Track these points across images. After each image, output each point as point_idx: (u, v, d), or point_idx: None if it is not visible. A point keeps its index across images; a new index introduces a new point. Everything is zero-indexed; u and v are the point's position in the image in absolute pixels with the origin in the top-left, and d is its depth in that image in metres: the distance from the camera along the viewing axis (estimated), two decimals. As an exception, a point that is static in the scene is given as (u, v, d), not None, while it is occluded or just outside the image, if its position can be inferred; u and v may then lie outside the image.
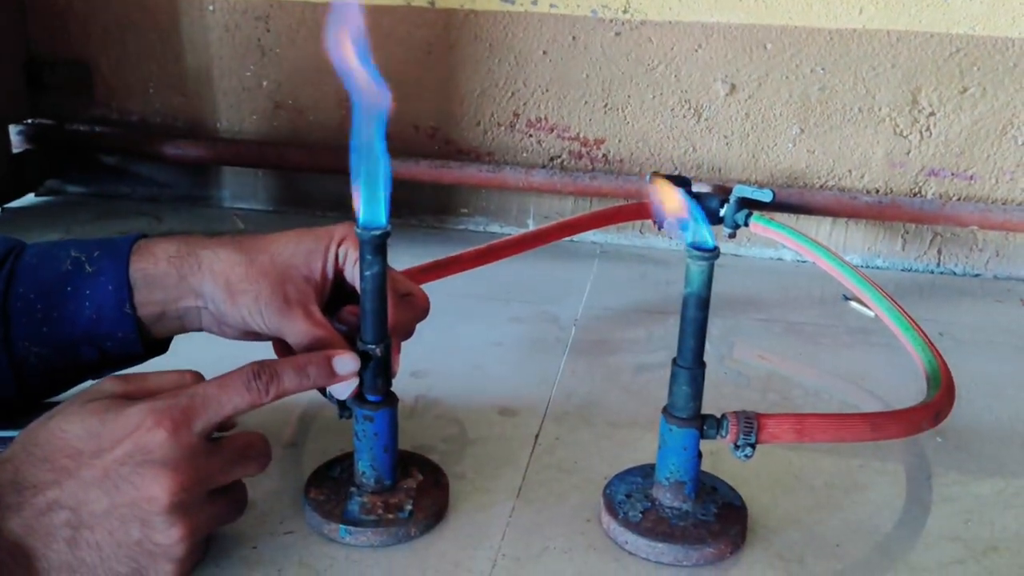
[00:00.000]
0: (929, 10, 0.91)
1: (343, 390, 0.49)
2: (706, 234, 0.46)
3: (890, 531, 0.54)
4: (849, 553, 0.51)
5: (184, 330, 0.54)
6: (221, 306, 0.52)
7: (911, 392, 0.68)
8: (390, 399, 0.51)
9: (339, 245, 0.53)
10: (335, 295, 0.55)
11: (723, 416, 0.50)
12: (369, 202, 0.47)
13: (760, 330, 0.83)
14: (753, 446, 0.50)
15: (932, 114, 0.94)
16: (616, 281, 0.94)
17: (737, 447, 0.50)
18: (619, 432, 0.63)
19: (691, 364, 0.49)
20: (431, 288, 0.63)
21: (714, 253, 0.46)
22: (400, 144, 1.05)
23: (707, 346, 0.49)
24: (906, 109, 0.95)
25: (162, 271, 0.52)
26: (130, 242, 0.53)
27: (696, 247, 0.46)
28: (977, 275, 0.99)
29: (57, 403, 0.58)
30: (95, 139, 1.12)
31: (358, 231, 0.46)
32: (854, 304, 0.88)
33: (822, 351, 0.79)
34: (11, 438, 0.55)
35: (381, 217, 0.47)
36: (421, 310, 0.55)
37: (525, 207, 1.07)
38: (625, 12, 0.96)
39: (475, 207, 1.08)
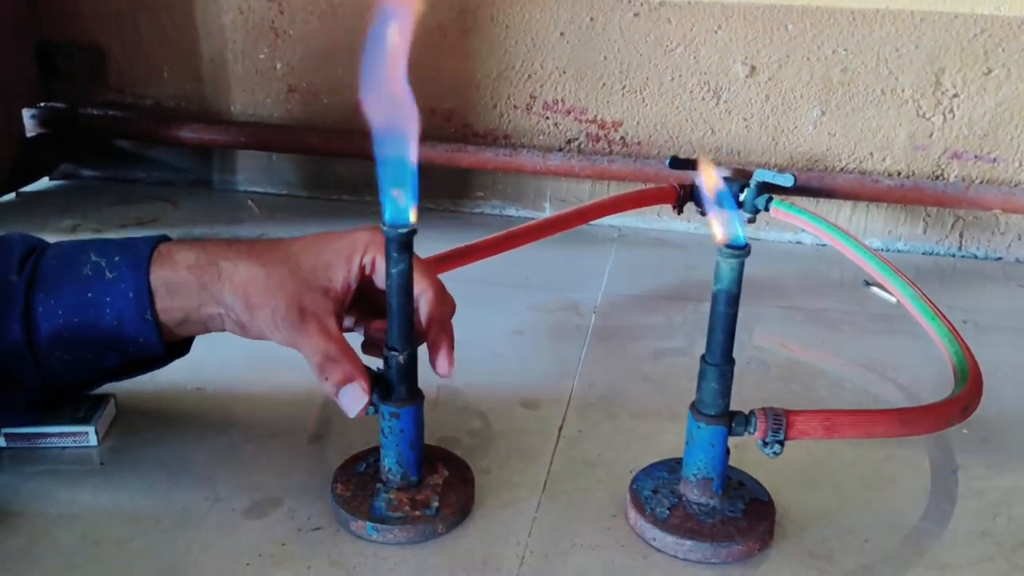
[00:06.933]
0: (954, -10, 0.89)
1: (352, 408, 0.49)
2: (738, 230, 0.46)
3: (918, 525, 0.54)
4: (878, 549, 0.51)
5: (208, 332, 0.54)
6: (242, 316, 0.51)
7: (935, 381, 0.68)
8: (416, 396, 0.50)
9: (364, 254, 0.52)
10: (364, 295, 0.54)
11: (751, 412, 0.50)
12: (395, 200, 0.46)
13: (782, 317, 0.82)
14: (782, 443, 0.49)
15: (956, 96, 0.93)
16: (635, 266, 0.94)
17: (765, 444, 0.49)
18: (642, 423, 0.63)
19: (720, 361, 0.48)
20: (451, 276, 0.63)
21: (745, 251, 0.45)
22: (416, 127, 1.04)
23: (730, 337, 0.49)
24: (929, 91, 0.93)
25: (183, 279, 0.51)
26: (150, 247, 0.53)
27: (727, 244, 0.45)
28: (999, 258, 0.98)
29: (85, 399, 0.58)
30: (109, 123, 1.11)
31: (384, 229, 0.46)
32: (875, 289, 0.87)
33: (845, 338, 0.79)
34: (39, 434, 0.56)
35: (407, 215, 0.46)
36: (451, 306, 0.55)
37: (542, 190, 1.06)
38: (644, -7, 0.95)
39: (491, 190, 1.07)
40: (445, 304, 0.53)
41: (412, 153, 0.45)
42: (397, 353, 0.49)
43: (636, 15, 0.96)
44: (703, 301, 0.82)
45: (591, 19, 0.97)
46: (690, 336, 0.78)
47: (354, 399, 0.49)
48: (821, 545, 0.51)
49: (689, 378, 0.50)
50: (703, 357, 0.49)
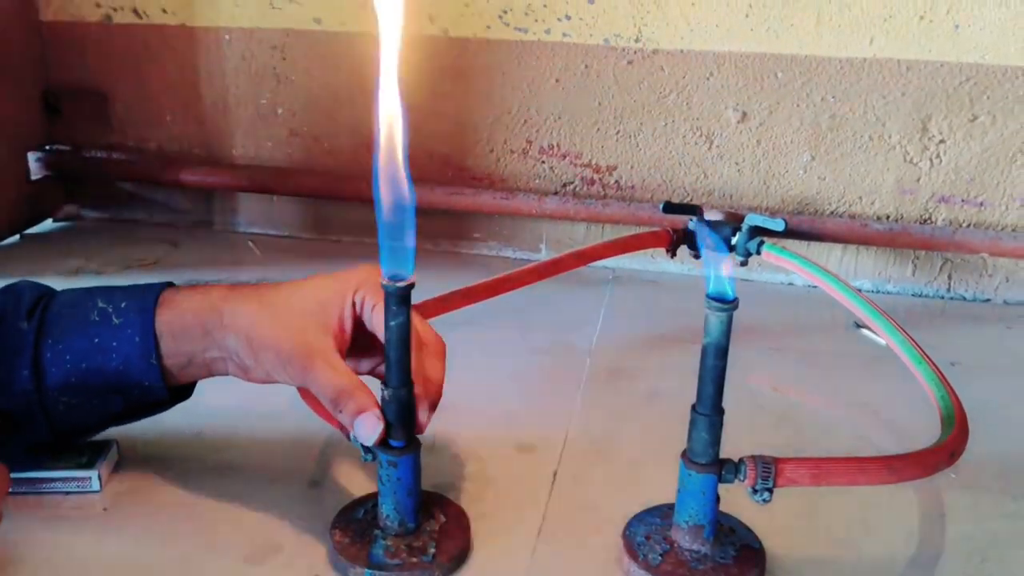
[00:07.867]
0: (939, 39, 0.92)
1: (369, 437, 0.50)
2: (726, 285, 0.47)
3: (905, 572, 0.55)
4: (866, 595, 0.52)
5: (211, 375, 0.55)
6: (246, 360, 0.53)
7: (926, 423, 0.68)
8: (413, 444, 0.52)
9: (355, 292, 0.54)
10: (359, 337, 0.56)
11: (741, 460, 0.51)
12: (394, 254, 0.48)
13: (773, 359, 0.84)
14: (771, 490, 0.50)
15: (942, 142, 0.95)
16: (629, 308, 0.95)
17: (755, 491, 0.51)
18: (635, 467, 0.64)
19: (710, 411, 0.49)
20: (448, 318, 0.64)
21: (733, 305, 0.47)
22: (414, 171, 1.05)
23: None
24: (916, 137, 0.95)
25: (188, 323, 0.53)
26: (156, 292, 0.54)
27: (715, 298, 0.47)
28: (987, 300, 1.00)
29: (88, 444, 0.59)
30: (112, 166, 1.13)
31: (384, 283, 0.47)
32: (865, 331, 0.88)
33: (836, 381, 0.80)
34: (43, 479, 0.57)
35: (406, 269, 0.48)
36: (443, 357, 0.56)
37: (538, 232, 1.08)
38: (637, 41, 0.97)
39: (488, 232, 1.09)
40: (440, 364, 0.55)
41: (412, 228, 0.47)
42: (390, 389, 0.50)
43: (630, 63, 0.98)
44: (696, 343, 0.83)
45: (586, 66, 1.00)
46: (683, 378, 0.79)
47: (369, 427, 0.50)
48: (810, 591, 0.52)
49: (682, 421, 0.51)
50: (694, 407, 0.50)
